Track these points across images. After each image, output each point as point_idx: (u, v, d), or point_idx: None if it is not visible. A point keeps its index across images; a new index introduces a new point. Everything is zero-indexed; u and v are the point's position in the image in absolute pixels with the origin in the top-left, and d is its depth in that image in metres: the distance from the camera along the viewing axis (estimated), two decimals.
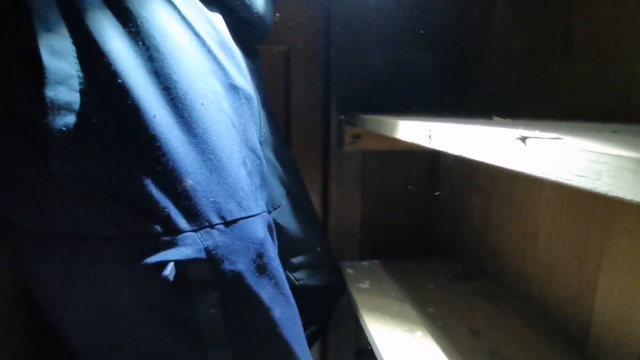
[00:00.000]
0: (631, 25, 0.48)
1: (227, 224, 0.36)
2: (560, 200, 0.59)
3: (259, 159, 0.42)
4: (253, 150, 0.42)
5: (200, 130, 0.35)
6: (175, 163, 0.33)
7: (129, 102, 0.32)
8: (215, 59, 0.38)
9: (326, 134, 0.81)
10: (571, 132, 0.30)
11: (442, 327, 0.61)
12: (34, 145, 0.32)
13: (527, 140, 0.25)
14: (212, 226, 0.35)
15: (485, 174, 0.76)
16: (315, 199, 0.82)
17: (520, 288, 0.68)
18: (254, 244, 0.37)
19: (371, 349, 0.60)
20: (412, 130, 0.42)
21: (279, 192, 0.52)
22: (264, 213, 0.41)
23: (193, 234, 0.34)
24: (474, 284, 0.75)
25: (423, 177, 0.87)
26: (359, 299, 0.69)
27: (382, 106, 0.82)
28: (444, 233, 0.89)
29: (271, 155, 0.51)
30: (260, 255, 0.38)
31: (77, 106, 0.31)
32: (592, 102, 0.53)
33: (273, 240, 0.43)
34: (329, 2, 0.76)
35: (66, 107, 0.30)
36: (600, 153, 0.20)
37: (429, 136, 0.38)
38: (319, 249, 0.61)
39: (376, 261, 0.85)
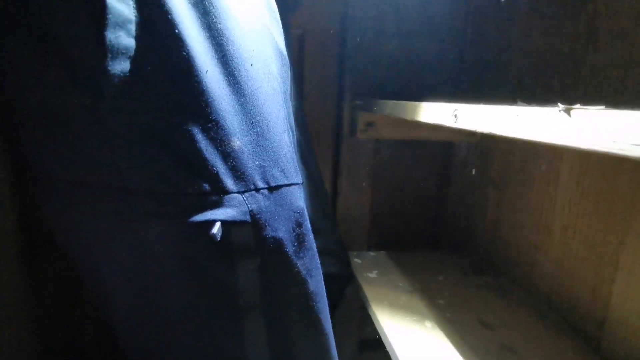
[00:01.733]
0: None
1: (271, 189, 0.35)
2: (577, 193, 0.58)
3: (293, 130, 0.42)
4: (291, 120, 0.41)
5: (249, 91, 0.34)
6: (225, 121, 0.33)
7: (184, 53, 0.31)
8: (264, 21, 0.38)
9: (339, 121, 0.79)
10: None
11: (451, 319, 0.60)
12: (83, 91, 0.31)
13: (572, 112, 0.23)
14: (257, 190, 0.34)
15: (499, 166, 0.75)
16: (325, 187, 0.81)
17: (532, 282, 0.67)
18: (294, 212, 0.37)
19: (377, 339, 0.59)
20: (436, 111, 0.40)
21: (301, 169, 0.51)
22: (302, 184, 0.40)
23: (239, 195, 0.33)
24: (484, 277, 0.74)
25: (435, 168, 0.85)
26: (367, 288, 0.68)
27: (397, 94, 0.80)
28: (455, 225, 0.88)
29: (297, 131, 0.51)
30: (299, 225, 0.38)
31: (133, 52, 0.30)
32: (617, 89, 0.52)
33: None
34: None
35: (124, 52, 0.30)
36: None
37: (455, 115, 0.37)
38: (329, 235, 0.60)
39: (384, 252, 0.84)
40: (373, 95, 0.76)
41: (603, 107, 0.24)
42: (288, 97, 0.41)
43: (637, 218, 0.48)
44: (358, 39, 0.74)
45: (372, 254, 0.83)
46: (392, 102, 0.55)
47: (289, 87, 0.41)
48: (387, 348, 0.55)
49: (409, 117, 0.48)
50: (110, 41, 0.29)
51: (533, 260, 0.67)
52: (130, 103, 0.31)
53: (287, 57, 0.41)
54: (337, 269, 0.64)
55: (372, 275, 0.73)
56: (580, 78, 0.58)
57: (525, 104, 0.47)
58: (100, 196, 0.33)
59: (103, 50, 0.29)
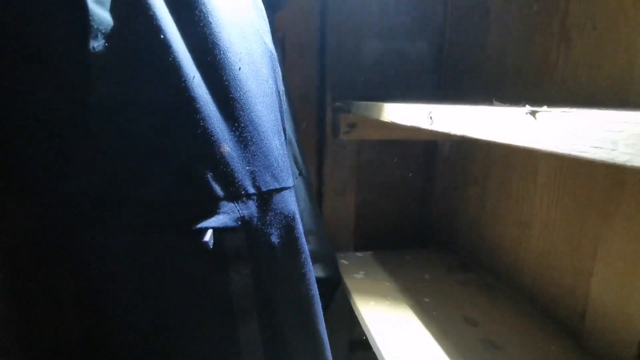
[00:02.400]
0: (630, 10, 0.47)
1: (262, 194, 0.35)
2: (555, 189, 0.59)
3: (285, 131, 0.42)
4: (284, 121, 0.41)
5: (237, 95, 0.34)
6: (214, 127, 0.32)
7: (170, 59, 0.30)
8: (252, 21, 0.37)
9: (321, 124, 0.79)
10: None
11: (437, 316, 0.60)
12: (69, 102, 0.31)
13: (537, 114, 0.24)
14: (248, 196, 0.34)
15: (481, 164, 0.76)
16: None
17: (515, 277, 0.68)
18: (286, 216, 0.37)
19: (365, 339, 0.59)
20: (412, 112, 0.41)
21: (293, 170, 0.51)
22: (294, 186, 0.40)
23: (230, 202, 0.33)
24: (469, 274, 0.75)
25: (418, 167, 0.86)
26: (354, 289, 0.68)
27: (377, 96, 0.81)
28: (440, 224, 0.89)
29: (289, 131, 0.50)
30: (292, 229, 0.37)
31: (118, 60, 0.30)
32: (590, 88, 0.53)
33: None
34: None
35: (109, 61, 0.29)
36: (616, 121, 0.19)
37: (430, 117, 0.37)
38: (320, 238, 0.60)
39: (371, 252, 0.84)
40: (354, 96, 0.76)
41: (569, 108, 0.24)
42: (280, 98, 0.41)
43: (612, 212, 0.49)
44: (337, 41, 0.74)
45: (358, 254, 0.83)
46: (370, 104, 0.55)
47: (281, 87, 0.41)
48: (373, 348, 0.55)
49: (386, 119, 0.48)
50: (94, 49, 0.29)
51: (515, 256, 0.68)
52: (118, 112, 0.31)
53: (276, 57, 0.41)
54: (328, 273, 0.64)
55: (359, 276, 0.74)
56: (554, 76, 0.59)
57: (500, 103, 0.48)
58: (89, 209, 0.32)
59: (87, 60, 0.29)
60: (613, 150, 0.19)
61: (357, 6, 0.75)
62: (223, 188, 0.33)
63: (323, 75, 0.77)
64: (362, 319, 0.61)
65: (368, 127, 0.74)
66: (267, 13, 0.43)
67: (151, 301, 0.35)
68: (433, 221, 0.89)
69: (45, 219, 0.35)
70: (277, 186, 0.36)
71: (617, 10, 0.49)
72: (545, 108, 0.25)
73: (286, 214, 0.37)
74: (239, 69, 0.34)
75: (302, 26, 0.76)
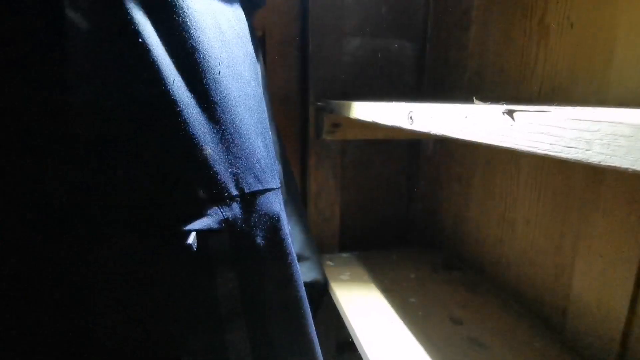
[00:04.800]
0: (606, 8, 0.48)
1: (246, 196, 0.35)
2: (537, 186, 0.59)
3: (269, 132, 0.41)
4: (266, 123, 0.40)
5: (218, 98, 0.33)
6: (195, 130, 0.32)
7: (150, 62, 0.30)
8: (231, 24, 0.37)
9: (304, 124, 0.78)
10: (551, 107, 0.30)
11: (423, 316, 0.60)
12: (50, 112, 0.30)
13: (515, 114, 0.23)
14: (231, 198, 0.34)
15: (464, 162, 0.76)
16: None
17: (499, 275, 0.69)
18: (271, 218, 0.37)
19: (352, 341, 0.58)
20: (392, 112, 0.40)
21: (279, 170, 0.50)
22: (279, 189, 0.39)
23: (213, 205, 0.33)
24: (454, 272, 0.75)
25: (403, 166, 0.86)
26: (340, 291, 0.68)
27: (360, 94, 0.80)
28: (425, 222, 0.89)
29: (272, 132, 0.50)
30: (277, 230, 0.37)
31: (97, 64, 0.30)
32: (570, 87, 0.53)
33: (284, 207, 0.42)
34: None
35: (87, 64, 0.29)
36: (592, 121, 0.19)
37: (410, 117, 0.37)
38: (306, 241, 0.59)
39: (357, 252, 0.84)
40: (337, 95, 0.76)
41: (546, 107, 0.24)
42: (263, 100, 0.41)
43: (591, 209, 0.50)
44: (319, 40, 0.74)
45: (344, 255, 0.82)
46: (351, 104, 0.54)
47: (263, 90, 0.41)
48: (359, 351, 0.55)
49: (367, 119, 0.48)
50: (71, 54, 0.28)
51: (499, 253, 0.68)
52: (97, 117, 0.30)
53: (258, 57, 0.41)
54: (314, 276, 0.63)
55: (345, 277, 0.73)
56: (534, 74, 0.59)
57: (481, 102, 0.48)
58: (71, 213, 0.32)
59: (65, 65, 0.28)
60: (587, 150, 0.19)
61: (337, 4, 0.74)
62: (206, 190, 0.32)
63: (305, 74, 0.76)
64: (348, 321, 0.60)
65: (352, 127, 0.73)
66: (245, 12, 0.42)
67: (135, 305, 0.34)
68: (418, 219, 0.89)
69: (25, 223, 0.34)
70: (261, 188, 0.36)
71: (594, 9, 0.49)
72: (522, 107, 0.25)
73: (271, 215, 0.37)
74: (219, 72, 0.34)
75: (283, 25, 0.74)
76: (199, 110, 0.32)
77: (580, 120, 0.19)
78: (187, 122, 0.31)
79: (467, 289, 0.69)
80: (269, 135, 0.41)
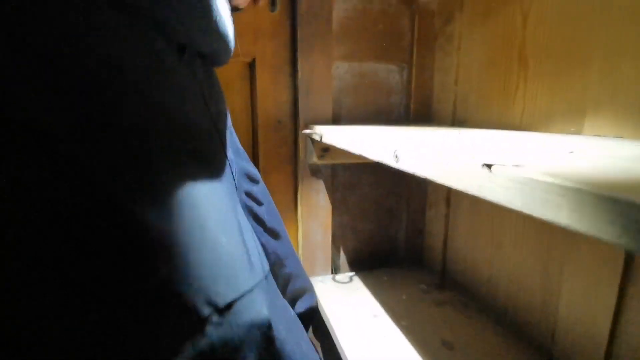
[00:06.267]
0: (582, 38, 0.50)
1: (221, 311, 0.27)
2: None
3: (239, 208, 0.36)
4: (235, 194, 0.35)
5: (166, 202, 0.27)
6: (146, 250, 0.25)
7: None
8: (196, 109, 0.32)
9: (295, 148, 0.79)
10: (530, 151, 0.31)
11: (415, 340, 0.61)
12: None
13: (493, 168, 0.25)
14: (202, 321, 0.27)
15: None
16: (287, 214, 0.81)
17: (489, 297, 0.70)
18: (258, 328, 0.30)
19: None
20: (379, 148, 0.41)
21: (261, 259, 0.39)
22: (262, 280, 0.32)
23: (184, 336, 0.26)
24: (444, 293, 0.76)
25: (392, 187, 0.87)
26: (331, 314, 0.68)
27: (349, 118, 0.82)
28: (415, 243, 0.90)
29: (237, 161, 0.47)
30: (269, 340, 0.30)
31: None
32: (549, 115, 0.55)
33: (278, 296, 0.35)
34: (294, 12, 0.75)
35: None
36: (560, 186, 0.20)
37: (396, 156, 0.38)
38: (301, 272, 0.59)
39: (348, 274, 0.85)
40: (327, 120, 0.77)
41: (519, 162, 0.25)
42: (231, 168, 0.36)
43: (575, 233, 0.51)
44: (308, 64, 0.75)
45: (336, 277, 0.83)
46: (339, 134, 0.56)
47: (230, 155, 0.36)
48: None
49: (354, 152, 0.49)
50: None
51: (488, 275, 0.70)
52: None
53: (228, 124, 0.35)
54: (309, 303, 0.62)
55: (336, 299, 0.73)
56: (516, 101, 0.61)
57: (463, 129, 0.49)
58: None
59: None
60: (558, 212, 0.20)
61: (326, 30, 0.76)
62: (172, 318, 0.26)
63: (295, 98, 0.78)
64: (339, 345, 0.60)
65: (341, 151, 0.74)
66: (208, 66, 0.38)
67: None
68: (408, 240, 0.90)
69: None
70: (237, 294, 0.29)
71: (570, 39, 0.52)
72: (499, 161, 0.26)
73: (257, 323, 0.29)
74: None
75: (273, 51, 0.76)
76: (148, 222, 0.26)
77: (550, 183, 0.20)
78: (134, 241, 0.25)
79: (458, 311, 0.70)
80: (236, 203, 0.34)
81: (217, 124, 0.36)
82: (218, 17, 0.33)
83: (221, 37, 0.35)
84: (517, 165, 0.24)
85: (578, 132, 0.51)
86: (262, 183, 0.53)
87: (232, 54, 0.39)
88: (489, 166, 0.25)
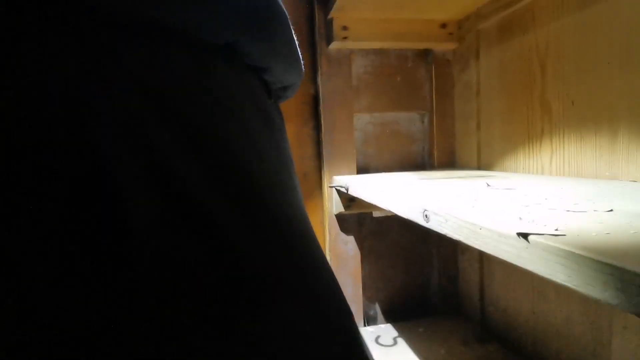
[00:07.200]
0: (605, 87, 0.50)
1: None
2: None
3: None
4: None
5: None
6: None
7: None
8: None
9: (322, 199, 0.81)
10: (568, 210, 0.30)
11: None
12: None
13: (529, 237, 0.24)
14: None
15: None
16: None
17: (536, 349, 0.65)
18: None
19: None
20: (408, 206, 0.42)
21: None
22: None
23: None
24: (486, 346, 0.72)
25: (420, 233, 0.86)
26: None
27: (374, 166, 0.83)
28: (449, 290, 0.86)
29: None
30: None
31: None
32: (578, 162, 0.54)
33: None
34: (314, 73, 0.79)
35: None
36: (605, 263, 0.19)
37: (426, 215, 0.38)
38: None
39: (382, 326, 0.82)
40: (350, 171, 0.78)
41: (558, 229, 0.25)
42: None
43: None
44: (331, 118, 0.78)
45: (370, 329, 0.80)
46: (365, 186, 0.56)
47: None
48: None
49: (382, 207, 0.49)
50: None
51: (533, 326, 0.66)
52: None
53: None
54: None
55: (372, 354, 0.71)
56: (541, 147, 0.61)
57: (490, 176, 0.49)
58: None
59: None
60: (605, 291, 0.19)
61: (346, 86, 0.79)
62: None
63: (319, 153, 0.80)
64: None
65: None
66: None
67: None
68: (441, 287, 0.87)
69: None
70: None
71: (595, 88, 0.52)
72: (537, 229, 0.26)
73: None
74: None
75: (297, 107, 0.80)
76: None
77: (596, 260, 0.20)
78: None
79: None
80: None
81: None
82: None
83: (302, 70, 0.33)
84: (556, 233, 0.24)
85: (614, 177, 0.50)
86: None
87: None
88: (525, 236, 0.25)
